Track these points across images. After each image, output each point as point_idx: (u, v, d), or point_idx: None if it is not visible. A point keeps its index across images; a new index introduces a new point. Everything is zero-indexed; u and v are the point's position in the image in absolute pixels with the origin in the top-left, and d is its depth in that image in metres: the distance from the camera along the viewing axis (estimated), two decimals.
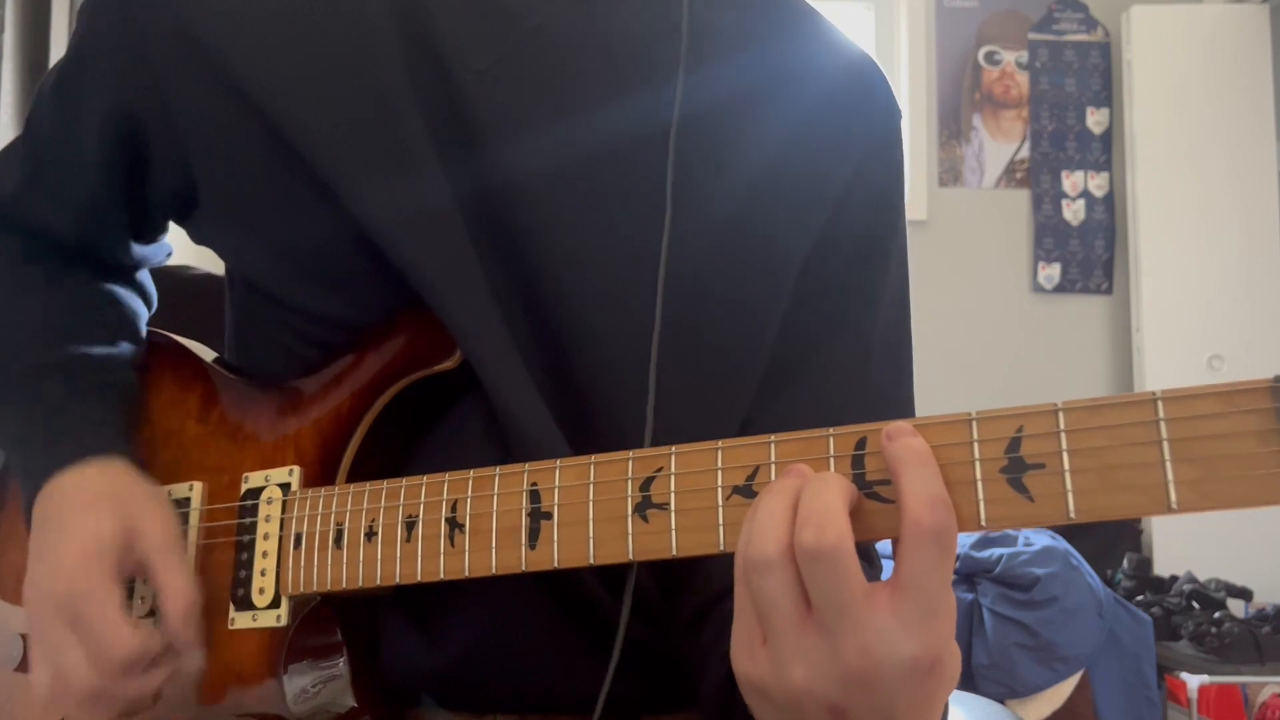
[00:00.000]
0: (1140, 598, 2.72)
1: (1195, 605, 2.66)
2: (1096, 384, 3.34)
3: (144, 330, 0.76)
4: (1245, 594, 2.72)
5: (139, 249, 0.77)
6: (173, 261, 0.84)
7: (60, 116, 0.70)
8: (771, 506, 0.43)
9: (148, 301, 0.80)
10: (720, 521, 0.46)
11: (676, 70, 0.65)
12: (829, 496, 0.41)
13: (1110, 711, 2.29)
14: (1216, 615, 2.55)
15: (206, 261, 1.14)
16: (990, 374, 3.29)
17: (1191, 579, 2.76)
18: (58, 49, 2.14)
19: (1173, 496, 0.38)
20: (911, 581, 0.40)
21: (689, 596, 0.62)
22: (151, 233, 0.77)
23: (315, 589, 0.58)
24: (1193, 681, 2.32)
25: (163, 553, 0.60)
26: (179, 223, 0.73)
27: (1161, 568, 2.92)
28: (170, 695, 0.61)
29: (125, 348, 0.72)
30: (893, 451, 0.42)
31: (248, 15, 0.63)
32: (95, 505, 0.61)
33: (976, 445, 0.42)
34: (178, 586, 0.59)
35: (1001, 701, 2.17)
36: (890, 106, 0.73)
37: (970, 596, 2.34)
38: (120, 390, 0.69)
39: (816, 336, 0.67)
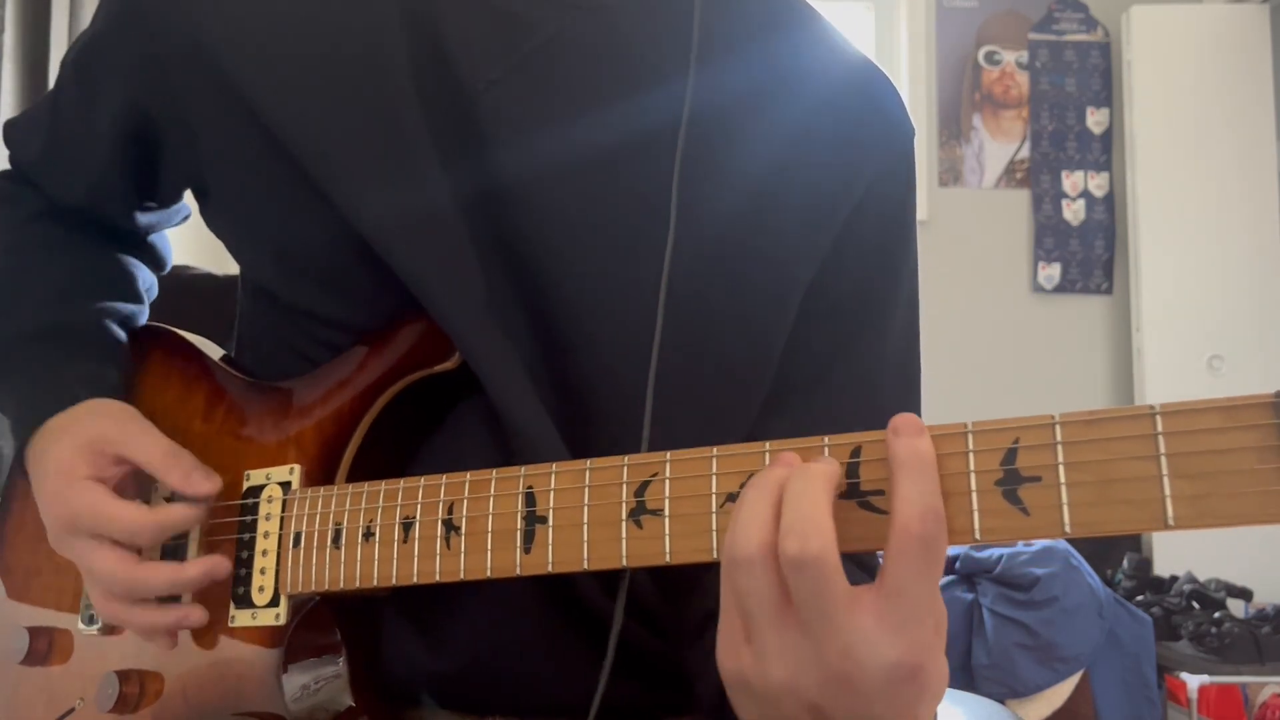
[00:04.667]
0: (1140, 598, 2.72)
1: (1195, 605, 2.66)
2: (1096, 384, 3.34)
3: (146, 295, 0.79)
4: (1245, 594, 2.71)
5: (150, 215, 0.80)
6: (172, 261, 0.85)
7: (79, 94, 0.72)
8: (754, 503, 0.42)
9: (159, 265, 0.83)
10: (714, 528, 0.46)
11: (684, 76, 0.64)
12: (813, 502, 0.41)
13: (1110, 711, 2.29)
14: (1216, 615, 2.55)
15: (206, 261, 1.15)
16: (990, 374, 3.29)
17: (1191, 579, 2.76)
18: (58, 49, 2.14)
19: (1170, 512, 0.38)
20: (896, 587, 0.40)
21: (695, 602, 0.62)
22: (164, 203, 0.80)
23: (314, 588, 0.58)
24: (1193, 681, 2.32)
25: (123, 436, 0.63)
26: (197, 201, 0.75)
27: (1161, 568, 2.92)
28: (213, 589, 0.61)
29: (125, 311, 0.75)
30: (896, 451, 0.41)
31: (255, 21, 0.64)
32: (59, 437, 0.64)
33: (972, 456, 0.41)
34: (146, 446, 0.63)
35: (1001, 701, 2.17)
36: (903, 123, 0.72)
37: (970, 596, 2.34)
38: (114, 351, 0.72)
39: (824, 357, 0.67)
